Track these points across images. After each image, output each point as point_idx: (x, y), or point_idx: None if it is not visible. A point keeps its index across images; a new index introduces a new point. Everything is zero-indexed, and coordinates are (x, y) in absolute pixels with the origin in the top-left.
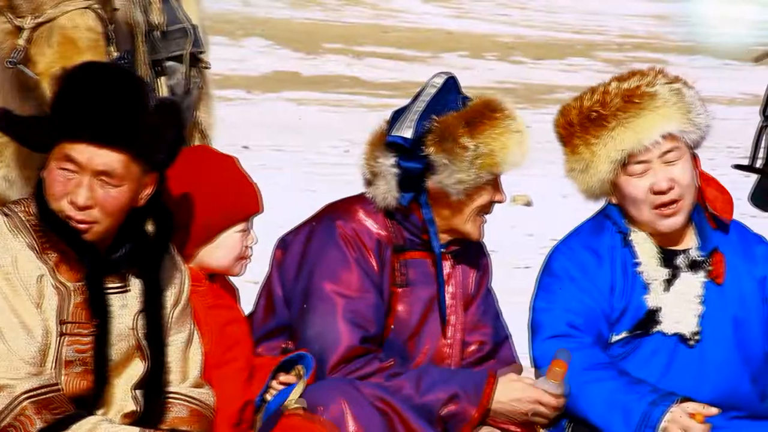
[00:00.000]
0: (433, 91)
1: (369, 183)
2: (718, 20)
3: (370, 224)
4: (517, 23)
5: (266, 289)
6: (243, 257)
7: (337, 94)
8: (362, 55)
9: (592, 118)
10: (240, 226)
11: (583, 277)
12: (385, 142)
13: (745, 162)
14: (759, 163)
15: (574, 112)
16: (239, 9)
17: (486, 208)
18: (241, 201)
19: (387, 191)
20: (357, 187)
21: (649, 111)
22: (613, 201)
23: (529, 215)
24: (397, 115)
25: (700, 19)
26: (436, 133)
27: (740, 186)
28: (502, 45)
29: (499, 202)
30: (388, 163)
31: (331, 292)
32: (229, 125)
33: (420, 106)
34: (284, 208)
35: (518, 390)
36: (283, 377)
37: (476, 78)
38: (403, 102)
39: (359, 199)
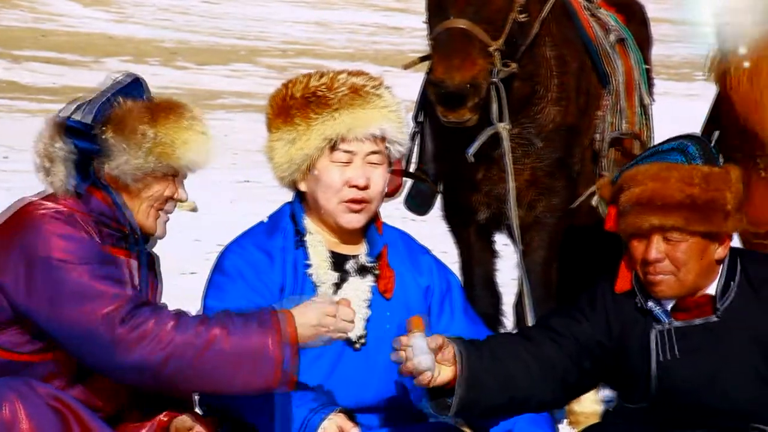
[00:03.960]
0: (117, 85)
1: (47, 172)
2: (376, 28)
3: (72, 225)
4: (181, 28)
5: None
6: None
7: None
8: (21, 59)
9: (318, 95)
10: None
11: (255, 276)
12: (66, 126)
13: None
14: (413, 168)
15: (299, 86)
16: None
17: (163, 203)
18: None
19: (65, 177)
20: (17, 194)
21: (373, 107)
22: (302, 187)
23: (194, 221)
24: (79, 106)
25: (359, 26)
26: (117, 118)
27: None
28: (165, 50)
29: (179, 200)
30: (66, 148)
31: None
32: None
33: (103, 96)
34: None
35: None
36: None
37: None
38: None
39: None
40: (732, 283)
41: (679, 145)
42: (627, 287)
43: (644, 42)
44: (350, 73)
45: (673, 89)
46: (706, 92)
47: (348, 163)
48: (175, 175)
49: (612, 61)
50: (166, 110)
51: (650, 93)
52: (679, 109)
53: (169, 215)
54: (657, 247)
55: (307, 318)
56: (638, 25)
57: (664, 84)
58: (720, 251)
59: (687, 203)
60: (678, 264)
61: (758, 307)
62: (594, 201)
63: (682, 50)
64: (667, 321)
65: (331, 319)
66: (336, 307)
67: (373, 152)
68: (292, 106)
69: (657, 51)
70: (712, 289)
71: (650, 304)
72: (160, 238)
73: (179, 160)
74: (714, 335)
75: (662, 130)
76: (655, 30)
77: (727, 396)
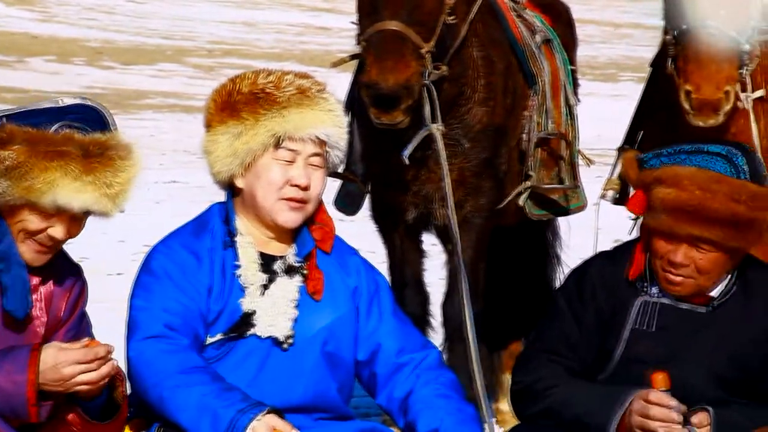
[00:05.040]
0: (47, 105)
1: None
2: (303, 28)
3: None
4: (106, 28)
5: None
6: None
7: None
8: None
9: (267, 92)
10: None
11: (182, 276)
12: None
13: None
14: (341, 169)
15: (247, 82)
16: None
17: (32, 234)
18: None
19: None
20: None
21: (320, 109)
22: (239, 183)
23: (120, 222)
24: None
25: (286, 26)
26: None
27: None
28: (90, 50)
29: (53, 238)
30: None
31: None
32: None
33: (16, 110)
34: None
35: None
36: None
37: (65, 83)
38: None
39: None
40: (734, 287)
41: (727, 152)
42: (640, 271)
43: (570, 43)
44: (296, 75)
45: (598, 90)
46: (631, 92)
47: (291, 162)
48: (52, 212)
49: (538, 62)
50: (58, 148)
51: (576, 93)
52: (604, 110)
53: (43, 247)
54: (686, 253)
55: (51, 365)
56: (564, 26)
57: (589, 84)
58: (737, 261)
59: (730, 220)
60: (702, 271)
61: (743, 315)
62: (521, 201)
63: (607, 51)
64: (656, 295)
65: (76, 368)
66: (87, 351)
67: (316, 154)
68: (239, 101)
69: (582, 52)
70: (715, 292)
71: (654, 290)
72: (31, 265)
73: (39, 197)
74: (692, 322)
75: (587, 130)
76: (581, 31)
77: (679, 379)
